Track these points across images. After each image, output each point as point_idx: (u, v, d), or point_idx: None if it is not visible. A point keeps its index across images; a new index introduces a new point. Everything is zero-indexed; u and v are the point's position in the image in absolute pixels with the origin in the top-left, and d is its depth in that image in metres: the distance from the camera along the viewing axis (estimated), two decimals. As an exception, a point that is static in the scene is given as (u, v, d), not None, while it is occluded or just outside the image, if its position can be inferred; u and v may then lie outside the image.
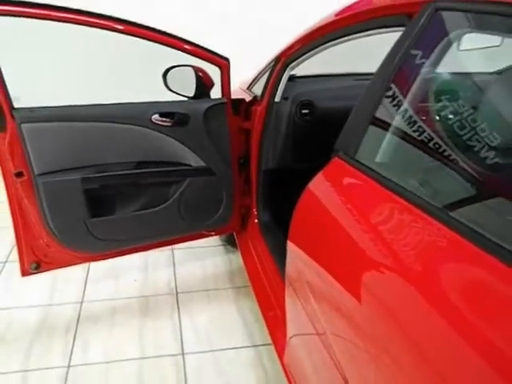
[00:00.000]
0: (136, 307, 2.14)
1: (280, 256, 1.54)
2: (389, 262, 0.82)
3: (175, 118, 1.69)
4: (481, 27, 0.91)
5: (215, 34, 2.78)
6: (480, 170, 0.83)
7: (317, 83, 2.20)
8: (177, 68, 1.75)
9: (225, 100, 1.78)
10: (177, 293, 2.25)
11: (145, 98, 1.67)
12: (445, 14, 0.93)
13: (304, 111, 2.00)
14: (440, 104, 0.94)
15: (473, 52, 1.06)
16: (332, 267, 0.99)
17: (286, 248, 1.25)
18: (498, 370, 0.56)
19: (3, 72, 1.43)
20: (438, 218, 0.76)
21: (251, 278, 1.93)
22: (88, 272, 2.39)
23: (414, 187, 0.88)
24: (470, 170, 0.83)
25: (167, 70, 1.75)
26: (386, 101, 0.98)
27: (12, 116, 1.48)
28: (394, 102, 0.97)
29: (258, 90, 2.01)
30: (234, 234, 2.24)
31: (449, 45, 0.93)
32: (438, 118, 0.95)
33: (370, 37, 1.22)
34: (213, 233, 2.11)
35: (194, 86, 1.77)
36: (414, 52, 0.96)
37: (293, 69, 1.77)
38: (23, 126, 1.49)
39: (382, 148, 0.99)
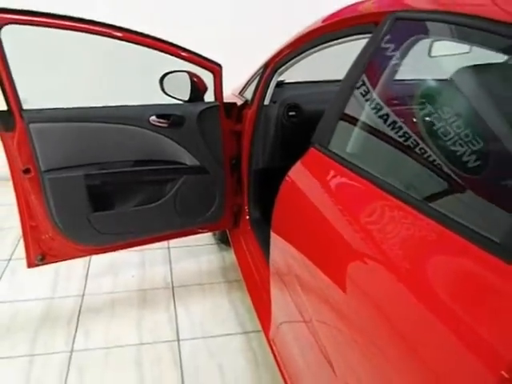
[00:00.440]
0: (134, 300, 2.26)
1: (268, 249, 1.66)
2: (361, 241, 0.90)
3: (171, 119, 1.81)
4: (433, 34, 1.05)
5: (209, 44, 2.91)
6: (434, 153, 0.94)
7: (303, 88, 2.33)
8: (173, 73, 1.86)
9: (217, 103, 1.90)
10: (173, 287, 2.36)
11: (143, 101, 1.80)
12: (403, 22, 1.07)
13: (291, 113, 2.12)
14: (398, 101, 1.08)
15: (429, 58, 1.20)
16: (309, 251, 1.09)
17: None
18: (478, 355, 0.59)
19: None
20: (401, 198, 0.87)
21: (242, 270, 2.04)
22: (88, 269, 2.50)
23: (380, 173, 0.99)
24: (424, 154, 0.96)
25: (164, 76, 1.85)
26: (354, 99, 1.12)
27: (21, 116, 1.60)
28: (361, 100, 1.11)
29: (248, 94, 2.12)
30: (227, 231, 2.35)
31: (407, 50, 1.07)
32: (397, 114, 1.09)
33: (353, 45, 1.33)
34: (206, 229, 2.22)
35: (189, 91, 1.88)
36: (378, 56, 1.10)
37: (281, 74, 1.91)
38: (31, 125, 1.61)
39: (351, 140, 1.13)
